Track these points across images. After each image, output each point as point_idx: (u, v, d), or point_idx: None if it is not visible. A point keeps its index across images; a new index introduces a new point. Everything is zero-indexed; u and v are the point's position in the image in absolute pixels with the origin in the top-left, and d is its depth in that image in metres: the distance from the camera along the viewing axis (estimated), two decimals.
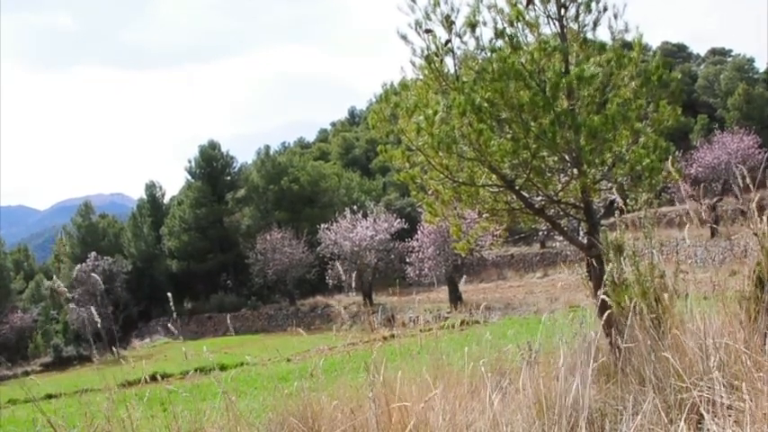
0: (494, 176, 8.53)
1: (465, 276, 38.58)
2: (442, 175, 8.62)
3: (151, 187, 73.44)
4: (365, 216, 48.01)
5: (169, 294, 6.43)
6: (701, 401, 4.61)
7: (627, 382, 5.40)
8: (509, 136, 8.20)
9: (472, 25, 8.43)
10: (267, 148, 66.83)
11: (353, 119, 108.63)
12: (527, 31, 8.49)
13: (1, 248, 67.90)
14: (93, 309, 5.65)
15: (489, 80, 8.02)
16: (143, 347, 48.86)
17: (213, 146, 66.02)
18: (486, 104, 8.01)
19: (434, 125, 8.09)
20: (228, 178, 65.94)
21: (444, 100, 8.37)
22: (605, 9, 8.61)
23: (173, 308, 6.21)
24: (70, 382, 24.03)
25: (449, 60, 8.70)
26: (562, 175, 8.84)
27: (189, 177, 66.68)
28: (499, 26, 8.41)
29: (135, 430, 5.46)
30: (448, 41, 8.57)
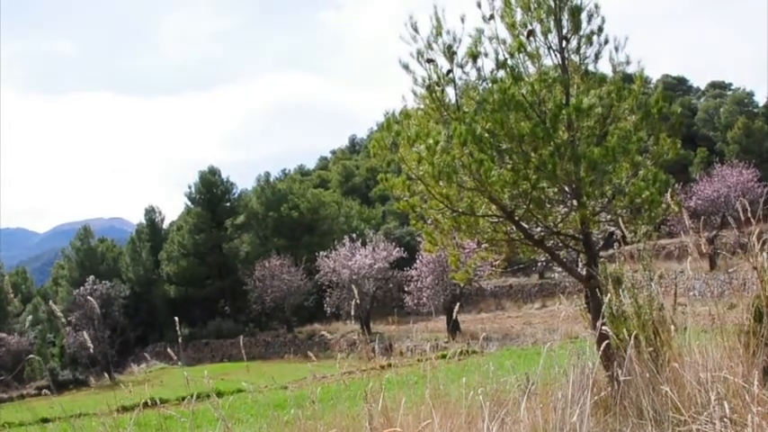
0: (493, 207, 8.54)
1: (459, 304, 38.53)
2: (441, 205, 8.62)
3: (150, 212, 73.43)
4: (364, 244, 48.01)
5: (176, 319, 6.41)
6: None
7: (625, 415, 5.38)
8: (509, 166, 8.22)
9: (474, 56, 8.47)
10: (267, 174, 66.97)
11: (354, 147, 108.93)
12: (528, 62, 8.53)
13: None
14: (86, 334, 5.63)
15: (490, 110, 8.04)
16: (140, 373, 48.68)
17: (213, 172, 66.07)
18: (486, 135, 8.04)
19: (435, 154, 8.11)
20: (228, 204, 65.92)
21: (445, 129, 8.38)
22: (606, 42, 8.65)
23: (179, 332, 6.19)
24: (66, 407, 23.89)
25: (450, 90, 8.73)
26: (562, 206, 8.85)
27: (188, 203, 66.71)
28: (501, 57, 8.46)
29: None
30: (449, 71, 8.61)
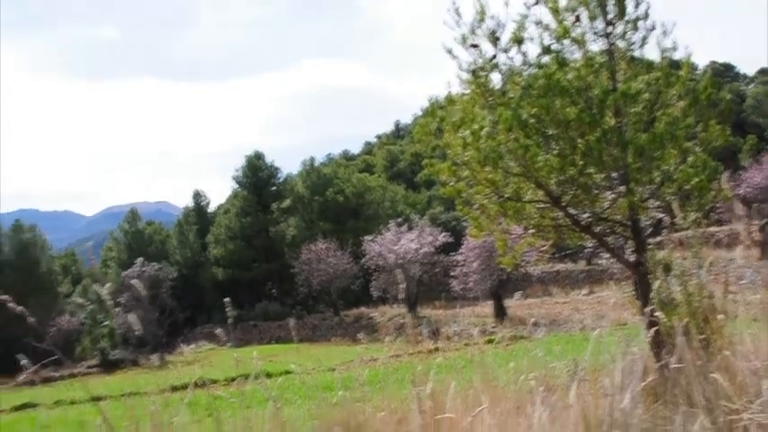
0: (540, 192, 8.51)
1: (520, 292, 38.31)
2: (487, 190, 8.60)
3: (197, 196, 74.02)
4: (410, 229, 47.96)
5: (227, 300, 6.47)
6: (751, 425, 4.58)
7: (675, 403, 5.36)
8: (555, 152, 8.18)
9: (518, 41, 8.44)
10: (312, 159, 67.16)
11: (398, 132, 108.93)
12: (574, 47, 8.48)
13: (49, 252, 68.73)
14: (134, 315, 5.71)
15: (535, 96, 8.01)
16: (189, 353, 49.15)
17: (259, 156, 66.37)
18: (532, 120, 8.01)
19: (480, 140, 8.09)
20: (274, 188, 66.20)
21: (490, 115, 8.36)
22: (653, 27, 8.58)
23: (229, 314, 6.25)
24: (116, 386, 24.28)
25: (495, 75, 8.71)
26: (609, 192, 8.79)
27: (235, 186, 67.14)
28: (545, 42, 8.42)
29: None
30: (494, 57, 8.58)
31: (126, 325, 52.63)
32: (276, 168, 67.00)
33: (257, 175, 65.35)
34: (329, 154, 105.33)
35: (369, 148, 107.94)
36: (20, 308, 4.22)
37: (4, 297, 4.20)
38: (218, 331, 7.29)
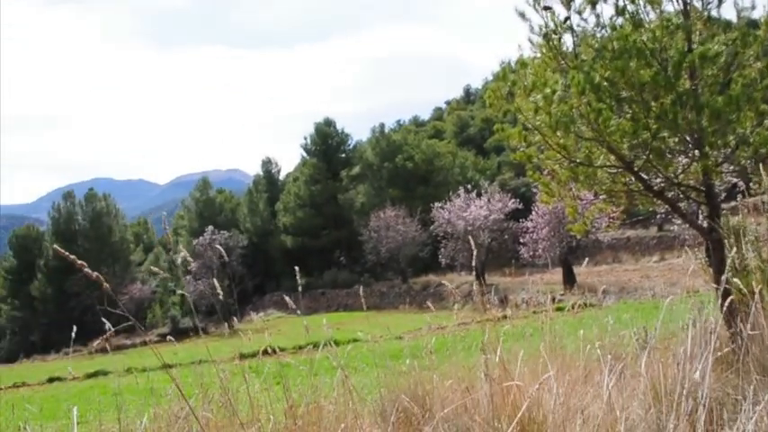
0: (612, 157, 8.36)
1: (587, 258, 37.88)
2: (558, 155, 8.48)
3: (267, 163, 74.58)
4: (479, 195, 47.75)
5: (296, 268, 6.49)
6: None
7: (747, 371, 5.23)
8: (628, 116, 8.02)
9: (592, 2, 8.26)
10: (382, 126, 67.09)
11: (468, 97, 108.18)
12: (649, 8, 8.28)
13: (122, 221, 69.94)
14: (214, 282, 5.74)
15: (609, 58, 7.85)
16: (258, 321, 49.77)
17: (328, 123, 66.56)
18: (605, 83, 7.85)
19: (552, 104, 7.96)
20: (343, 155, 66.42)
21: (563, 78, 8.23)
22: None
23: (299, 282, 6.26)
24: (186, 353, 24.62)
25: (568, 38, 8.55)
26: (683, 156, 8.60)
27: (304, 154, 67.48)
28: (620, 3, 8.23)
29: (250, 401, 5.54)
30: (567, 18, 8.42)
31: (196, 293, 53.51)
32: (346, 135, 67.26)
33: (327, 143, 65.59)
34: (399, 120, 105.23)
35: (438, 114, 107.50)
36: (95, 273, 4.24)
37: (81, 262, 4.22)
38: (287, 299, 7.31)
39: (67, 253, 4.25)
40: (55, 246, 4.48)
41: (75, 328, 5.13)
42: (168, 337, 6.28)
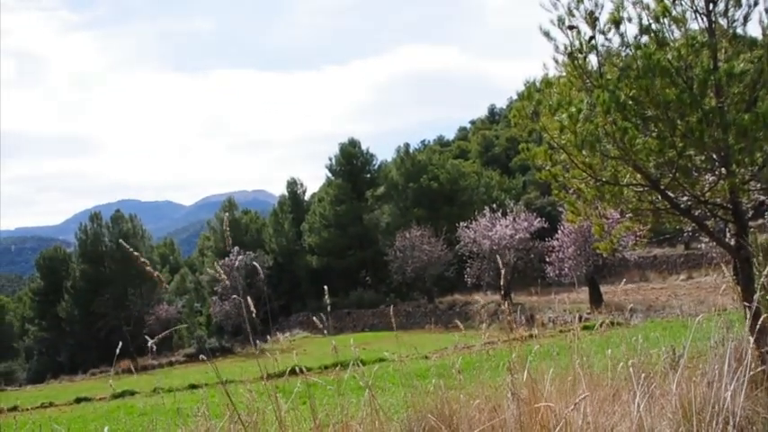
0: (638, 175, 8.36)
1: (616, 278, 37.65)
2: (584, 174, 8.49)
3: (292, 184, 74.75)
4: (505, 215, 47.60)
5: (325, 288, 6.54)
6: None
7: None
8: (654, 134, 8.02)
9: (616, 22, 8.28)
10: (407, 146, 67.00)
11: (493, 117, 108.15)
12: (673, 26, 8.28)
13: (148, 242, 70.31)
14: (248, 299, 5.76)
15: (634, 77, 7.86)
16: (283, 341, 49.84)
17: (353, 143, 66.68)
18: (630, 102, 7.86)
19: (578, 123, 7.97)
20: (368, 176, 66.46)
21: (588, 97, 8.24)
22: (756, 3, 8.32)
23: (327, 301, 6.29)
24: (212, 374, 24.68)
25: (592, 57, 8.57)
26: (709, 174, 8.58)
27: (329, 175, 67.56)
28: (644, 22, 8.24)
29: (277, 421, 5.55)
30: (592, 38, 8.45)
31: (222, 313, 53.63)
32: (371, 155, 67.31)
33: (351, 163, 65.70)
34: (423, 140, 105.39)
35: (463, 134, 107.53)
36: (156, 273, 4.31)
37: (144, 260, 4.30)
38: (315, 319, 7.30)
39: (131, 249, 4.33)
40: (120, 241, 4.57)
41: (119, 347, 5.10)
42: (201, 357, 6.25)
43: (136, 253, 4.37)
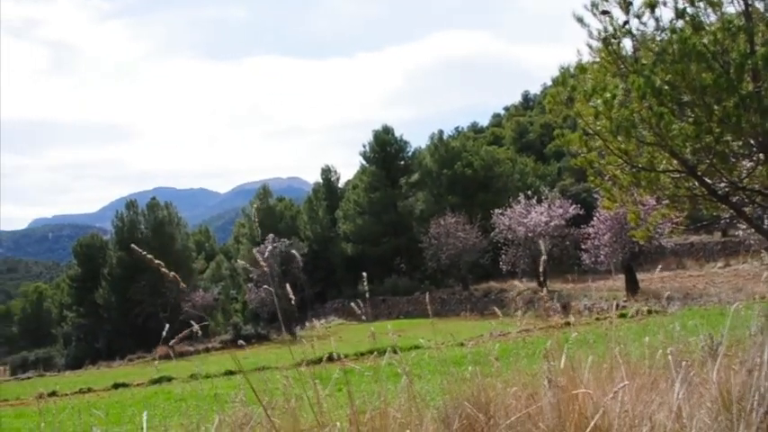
0: (675, 162, 8.28)
1: (660, 266, 37.41)
2: (620, 160, 8.43)
3: (327, 171, 74.87)
4: (539, 201, 47.36)
5: (364, 274, 6.53)
6: None
7: None
8: (691, 119, 7.94)
9: (651, 5, 8.19)
10: (440, 132, 66.84)
11: (527, 103, 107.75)
12: (709, 10, 8.19)
13: (184, 229, 70.70)
14: (287, 286, 5.77)
15: (669, 62, 7.78)
16: (319, 328, 50.01)
17: (387, 131, 66.58)
18: (666, 87, 7.78)
19: (613, 109, 7.91)
20: (402, 163, 66.33)
21: (623, 83, 8.17)
22: None
23: (362, 288, 6.33)
24: (249, 360, 24.81)
25: (627, 42, 8.50)
26: (747, 160, 8.49)
27: (363, 162, 67.51)
28: (680, 6, 8.15)
29: (319, 405, 5.56)
30: (626, 23, 8.37)
31: (258, 300, 53.83)
32: (404, 142, 67.16)
33: (385, 150, 65.60)
34: (457, 127, 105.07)
35: (497, 120, 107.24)
36: (172, 273, 4.34)
37: (159, 262, 4.34)
38: (353, 305, 7.33)
39: (144, 252, 4.36)
40: (133, 245, 4.61)
41: (165, 330, 5.09)
42: (239, 342, 6.25)
43: (149, 256, 4.38)
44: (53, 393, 26.17)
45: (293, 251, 16.51)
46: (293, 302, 5.41)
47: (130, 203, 69.15)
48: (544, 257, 6.30)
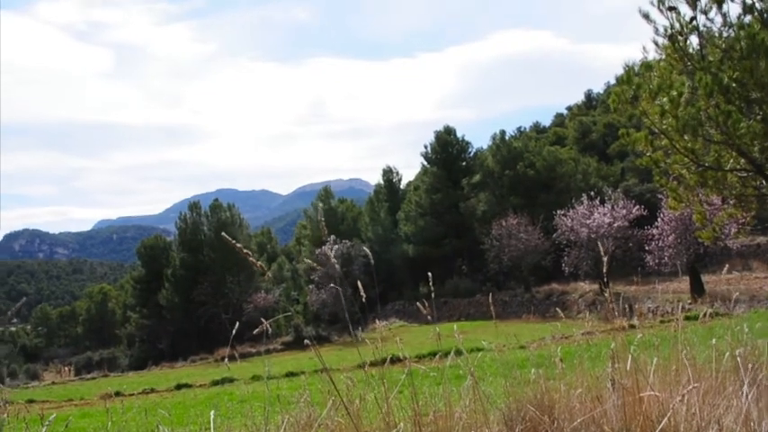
0: (742, 160, 8.12)
1: (727, 266, 36.83)
2: (686, 159, 8.29)
3: (388, 172, 75.02)
4: (603, 202, 46.92)
5: (429, 274, 6.53)
6: None
7: None
8: (759, 117, 7.78)
9: (719, 1, 8.05)
10: (502, 133, 66.55)
11: (590, 102, 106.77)
12: None
13: (246, 230, 71.27)
14: (359, 283, 5.77)
15: (737, 59, 7.63)
16: (380, 330, 50.08)
17: (448, 131, 66.53)
18: (734, 84, 7.63)
19: (679, 107, 7.78)
20: (464, 164, 66.20)
21: (689, 80, 8.03)
22: None
23: (432, 288, 6.27)
24: (310, 362, 24.92)
25: (693, 39, 8.36)
26: None
27: (425, 163, 67.56)
28: (748, 1, 8.00)
29: (382, 407, 5.54)
30: (693, 19, 8.24)
31: (319, 301, 54.05)
32: (466, 143, 67.04)
33: (447, 151, 65.58)
34: (519, 127, 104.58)
35: (560, 120, 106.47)
36: (259, 263, 4.36)
37: (247, 251, 4.36)
38: (419, 305, 7.29)
39: (233, 241, 4.40)
40: (223, 234, 4.62)
41: (234, 330, 5.06)
42: (306, 341, 6.27)
43: (239, 245, 4.39)
44: (117, 393, 26.56)
45: (365, 250, 16.33)
46: (361, 301, 5.39)
47: (193, 205, 69.93)
48: (605, 258, 6.20)
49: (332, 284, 47.90)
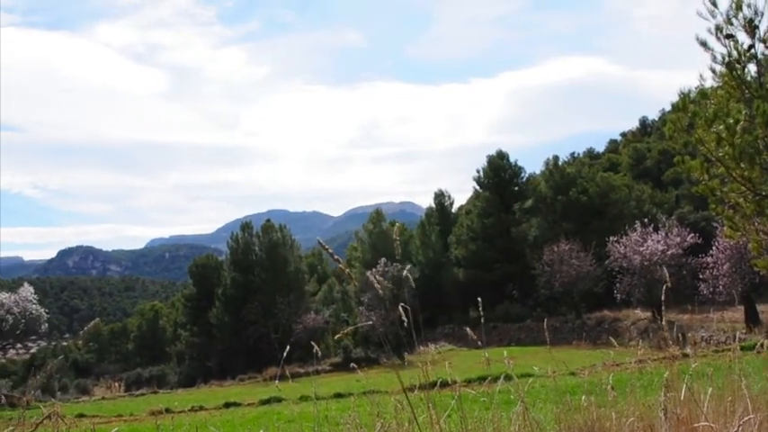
0: None
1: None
2: (743, 188, 8.21)
3: (440, 196, 75.09)
4: (656, 230, 46.49)
5: (479, 299, 6.54)
6: None
7: None
8: None
9: None
10: (556, 158, 66.26)
11: (645, 128, 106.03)
12: None
13: (297, 252, 71.53)
14: (400, 309, 5.80)
15: None
16: (429, 353, 49.94)
17: (501, 156, 66.49)
18: None
19: (736, 135, 7.71)
20: (516, 188, 66.08)
21: (747, 108, 7.97)
22: None
23: (481, 313, 6.27)
24: (360, 384, 24.97)
25: (751, 67, 8.29)
26: None
27: (477, 187, 67.54)
28: None
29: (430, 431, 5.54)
30: (751, 47, 8.18)
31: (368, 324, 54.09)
32: (519, 168, 66.94)
33: (499, 175, 65.52)
34: (573, 152, 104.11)
35: (614, 146, 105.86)
36: (347, 270, 4.36)
37: (340, 259, 4.38)
38: (468, 329, 7.22)
39: (328, 248, 4.37)
40: (319, 239, 4.67)
41: (285, 351, 5.06)
42: (352, 365, 6.27)
43: (336, 256, 4.40)
44: (167, 410, 26.78)
45: (407, 274, 16.32)
46: (405, 326, 5.40)
47: (245, 225, 70.41)
48: (667, 285, 6.16)
49: (380, 307, 48.04)
